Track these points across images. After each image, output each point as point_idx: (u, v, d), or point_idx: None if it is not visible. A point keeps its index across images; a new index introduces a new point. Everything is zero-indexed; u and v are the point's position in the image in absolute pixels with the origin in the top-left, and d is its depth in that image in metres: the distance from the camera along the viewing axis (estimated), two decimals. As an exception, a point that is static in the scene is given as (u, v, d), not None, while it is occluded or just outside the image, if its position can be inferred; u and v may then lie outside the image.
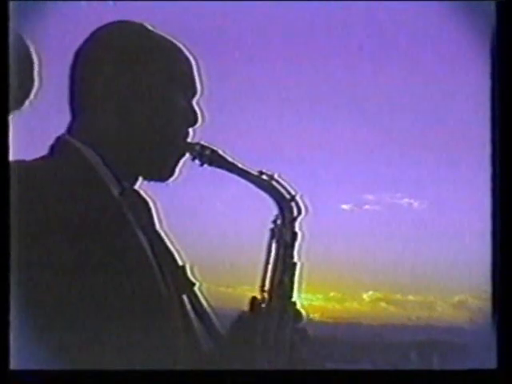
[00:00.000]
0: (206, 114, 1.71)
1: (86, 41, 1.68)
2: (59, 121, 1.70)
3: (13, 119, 1.63)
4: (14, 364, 1.45)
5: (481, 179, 1.69)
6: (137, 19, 1.68)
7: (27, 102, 1.84)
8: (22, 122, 1.65)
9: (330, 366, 1.63)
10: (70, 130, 1.66)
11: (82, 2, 1.70)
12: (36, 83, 1.82)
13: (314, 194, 1.68)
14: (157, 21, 1.74)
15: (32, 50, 1.81)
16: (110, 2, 1.95)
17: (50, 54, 1.73)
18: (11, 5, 1.60)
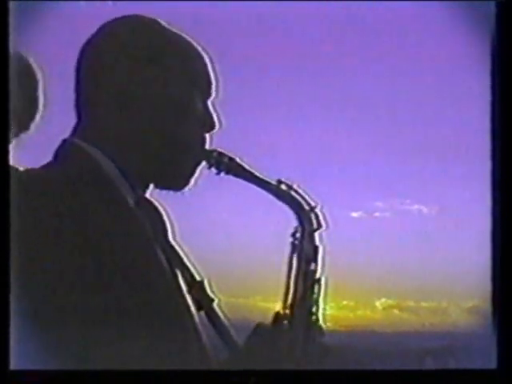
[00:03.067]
0: (221, 118, 1.63)
1: (95, 36, 1.60)
2: (58, 123, 1.68)
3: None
4: (13, 364, 1.44)
5: (489, 184, 1.68)
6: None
7: (33, 125, 1.83)
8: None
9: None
10: (76, 132, 1.59)
11: (82, 2, 1.69)
12: (41, 106, 1.81)
13: (324, 202, 1.64)
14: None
15: (37, 72, 1.80)
16: (110, 2, 1.95)
17: (49, 54, 1.73)
18: (11, 5, 1.59)
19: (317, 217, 1.63)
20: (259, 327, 1.59)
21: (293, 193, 1.62)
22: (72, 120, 1.62)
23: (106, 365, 1.42)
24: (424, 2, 2.30)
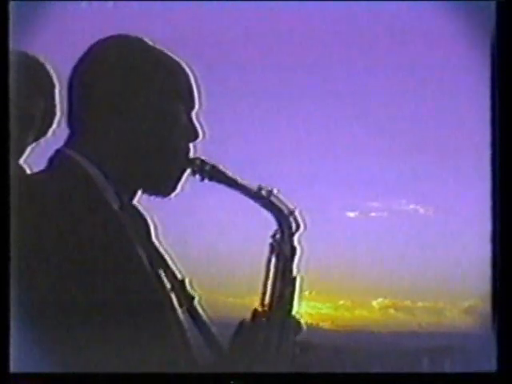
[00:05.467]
0: (205, 127, 1.71)
1: (85, 55, 1.66)
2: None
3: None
4: (14, 367, 1.44)
5: (487, 184, 1.69)
6: (135, 22, 1.67)
7: (50, 131, 1.87)
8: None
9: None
10: (68, 143, 1.65)
11: (82, 2, 1.69)
12: (58, 111, 1.84)
13: (320, 202, 1.68)
14: (154, 29, 1.73)
15: (54, 78, 1.83)
16: (110, 2, 1.94)
17: (49, 54, 1.73)
18: (11, 5, 1.59)
19: (295, 220, 1.70)
20: (241, 325, 1.65)
21: (272, 198, 1.69)
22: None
23: (102, 367, 1.43)
24: (424, 3, 2.30)
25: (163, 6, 1.70)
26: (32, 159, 1.70)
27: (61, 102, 1.82)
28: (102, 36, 1.63)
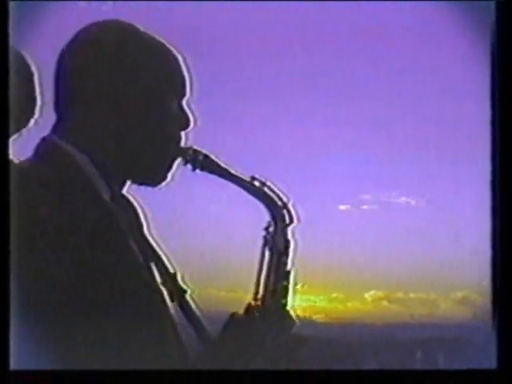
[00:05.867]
0: (198, 116, 1.68)
1: (73, 40, 1.63)
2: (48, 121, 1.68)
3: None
4: (14, 364, 1.45)
5: (479, 175, 1.69)
6: (131, 18, 1.66)
7: (32, 121, 1.85)
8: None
9: (334, 367, 1.62)
10: (55, 131, 1.62)
11: (82, 2, 1.69)
12: (39, 102, 1.82)
13: (311, 196, 1.67)
14: (149, 19, 1.72)
15: (33, 69, 1.81)
16: (110, 2, 1.95)
17: (49, 53, 1.73)
18: (11, 5, 1.60)
19: (289, 212, 1.67)
20: (232, 317, 1.63)
21: (266, 189, 1.66)
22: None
23: (95, 363, 1.43)
24: (424, 2, 2.30)
25: (163, 5, 1.71)
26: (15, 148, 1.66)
27: (45, 90, 1.79)
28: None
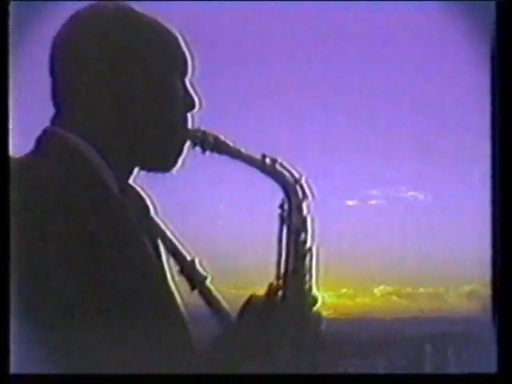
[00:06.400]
0: (203, 101, 1.65)
1: (70, 24, 1.60)
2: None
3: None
4: (14, 368, 1.44)
5: (487, 170, 1.69)
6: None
7: None
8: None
9: (344, 362, 1.64)
10: (55, 122, 1.59)
11: (82, 2, 1.68)
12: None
13: (319, 191, 1.67)
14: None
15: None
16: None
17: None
18: (11, 5, 1.59)
19: (302, 188, 1.66)
20: (252, 299, 1.63)
21: (277, 166, 1.65)
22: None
23: (105, 368, 1.42)
24: (424, 2, 2.30)
25: (163, 5, 1.70)
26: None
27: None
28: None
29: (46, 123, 1.61)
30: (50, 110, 1.63)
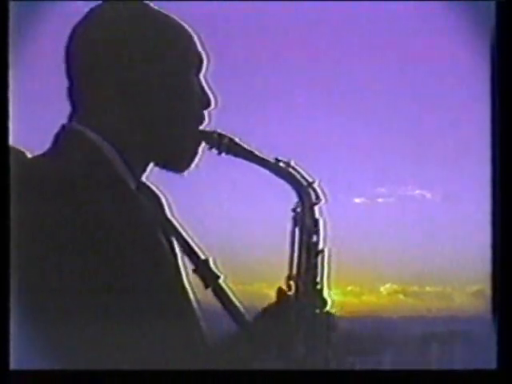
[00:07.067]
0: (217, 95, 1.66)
1: (85, 21, 1.60)
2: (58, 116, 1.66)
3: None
4: (14, 364, 1.44)
5: (494, 169, 1.70)
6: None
7: None
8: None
9: (350, 360, 1.64)
10: (73, 118, 1.59)
11: (82, 2, 1.68)
12: None
13: (327, 188, 1.69)
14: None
15: None
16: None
17: (49, 53, 1.73)
18: (11, 5, 1.59)
19: (315, 191, 1.70)
20: (268, 306, 1.67)
21: (291, 169, 1.68)
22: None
23: (107, 363, 1.42)
24: (424, 2, 2.30)
25: (162, 4, 1.70)
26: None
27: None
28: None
29: (46, 122, 1.62)
30: (50, 110, 1.64)
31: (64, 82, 1.63)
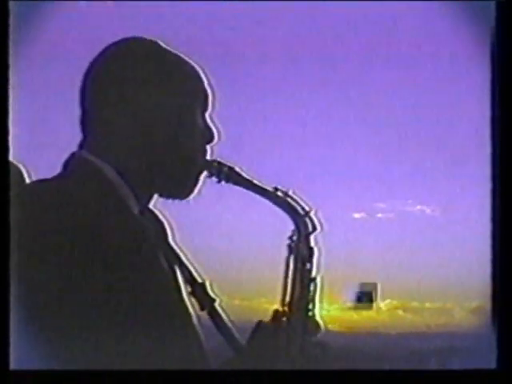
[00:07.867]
0: (220, 129, 1.71)
1: (99, 56, 1.67)
2: (59, 122, 1.68)
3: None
4: (14, 364, 1.44)
5: (492, 185, 1.70)
6: (134, 21, 1.67)
7: None
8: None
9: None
10: (83, 146, 1.65)
11: (82, 2, 1.69)
12: None
13: (326, 204, 1.71)
14: (154, 28, 1.72)
15: None
16: (110, 2, 1.95)
17: (49, 53, 1.73)
18: (11, 5, 1.60)
19: (311, 221, 1.72)
20: (260, 325, 1.68)
21: (288, 199, 1.71)
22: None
23: (107, 365, 1.43)
24: (424, 3, 2.31)
25: (162, 4, 1.71)
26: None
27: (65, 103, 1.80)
28: (101, 35, 1.63)
29: (46, 122, 1.62)
30: (50, 110, 1.65)
31: (64, 83, 1.64)
